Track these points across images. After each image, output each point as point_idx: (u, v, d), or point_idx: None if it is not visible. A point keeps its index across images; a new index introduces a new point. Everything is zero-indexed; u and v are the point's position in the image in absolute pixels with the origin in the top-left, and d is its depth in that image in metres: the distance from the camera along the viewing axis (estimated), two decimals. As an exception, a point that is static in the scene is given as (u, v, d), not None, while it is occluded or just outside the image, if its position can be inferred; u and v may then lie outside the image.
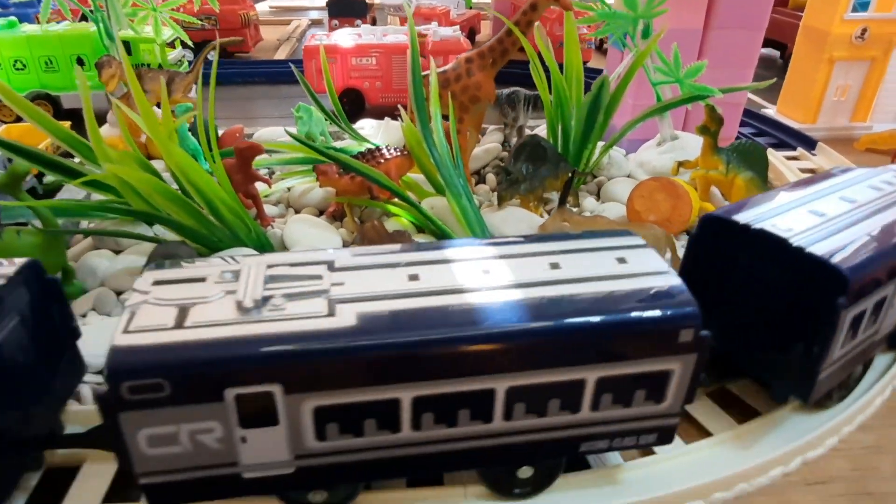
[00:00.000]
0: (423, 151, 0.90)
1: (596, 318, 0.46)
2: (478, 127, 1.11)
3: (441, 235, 0.85)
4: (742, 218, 0.61)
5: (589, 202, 1.01)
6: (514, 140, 1.28)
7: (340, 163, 0.86)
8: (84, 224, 0.93)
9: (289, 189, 1.04)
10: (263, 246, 0.87)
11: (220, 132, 1.20)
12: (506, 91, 1.24)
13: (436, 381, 0.45)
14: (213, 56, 1.09)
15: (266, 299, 0.46)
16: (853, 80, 1.44)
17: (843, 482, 0.62)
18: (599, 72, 1.11)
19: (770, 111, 1.58)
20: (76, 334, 0.60)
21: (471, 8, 2.62)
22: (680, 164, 1.03)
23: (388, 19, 2.37)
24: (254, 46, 2.23)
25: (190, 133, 1.10)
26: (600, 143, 1.07)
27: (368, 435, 0.46)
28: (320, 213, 1.00)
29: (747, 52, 1.16)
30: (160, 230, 0.88)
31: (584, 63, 1.03)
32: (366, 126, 1.30)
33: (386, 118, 1.31)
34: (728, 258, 0.62)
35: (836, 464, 0.63)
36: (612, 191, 1.05)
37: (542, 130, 1.25)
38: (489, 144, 1.20)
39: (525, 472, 0.53)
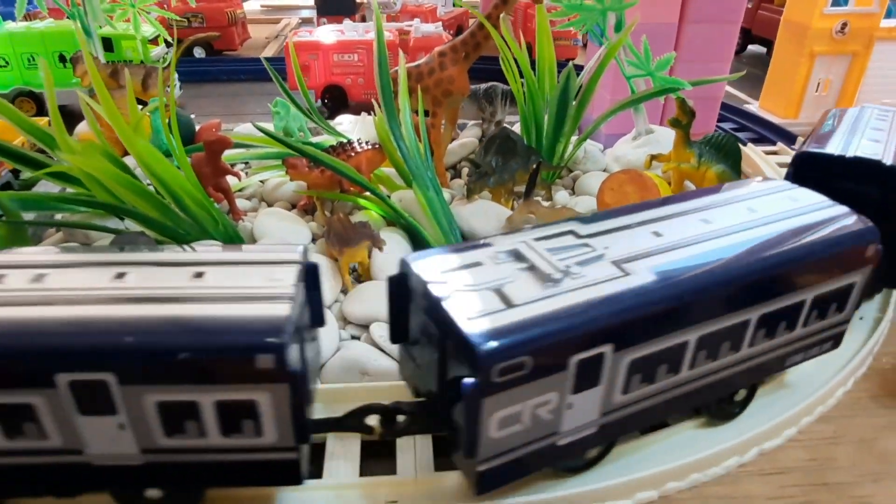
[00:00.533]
0: (393, 145, 0.90)
1: (813, 248, 0.54)
2: (453, 121, 1.11)
3: (409, 228, 0.85)
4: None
5: (562, 195, 1.01)
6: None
7: (310, 157, 0.86)
8: (58, 217, 0.93)
9: (262, 183, 1.04)
10: (232, 238, 0.87)
11: (199, 127, 1.20)
12: (483, 86, 1.24)
13: (714, 319, 0.50)
14: (196, 52, 1.10)
15: (566, 270, 0.49)
16: (834, 74, 1.43)
17: (800, 472, 0.61)
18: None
19: (752, 107, 1.58)
20: (322, 322, 0.56)
21: (459, 7, 2.62)
22: (653, 157, 1.03)
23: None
24: (241, 44, 2.23)
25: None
26: (574, 137, 1.07)
27: (658, 380, 0.51)
28: (293, 206, 1.00)
29: (723, 45, 1.16)
30: (131, 223, 0.88)
31: (571, 60, 1.03)
32: (344, 122, 1.30)
33: (363, 113, 1.31)
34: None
35: (794, 454, 0.63)
36: (586, 184, 1.05)
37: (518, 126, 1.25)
38: (466, 139, 1.20)
39: (740, 394, 0.62)
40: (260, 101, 1.76)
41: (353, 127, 1.27)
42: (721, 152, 0.99)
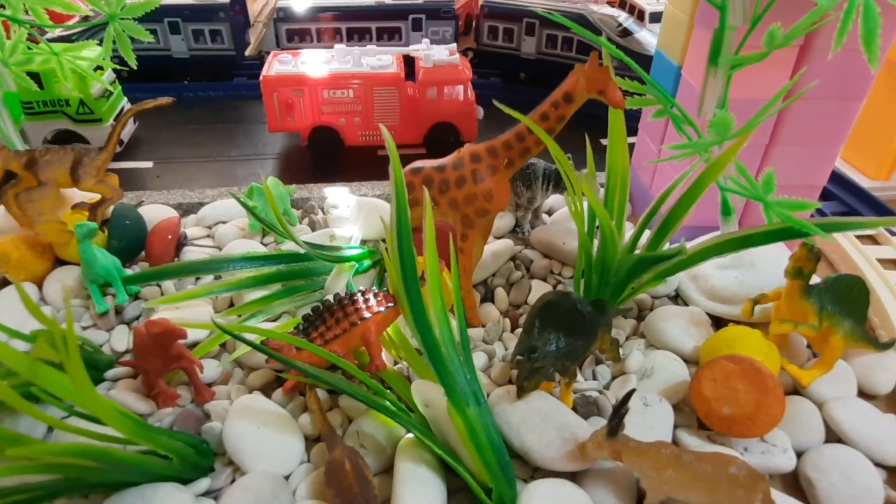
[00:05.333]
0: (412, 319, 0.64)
1: None
2: (486, 235, 0.85)
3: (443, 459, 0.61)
4: None
5: (635, 357, 0.77)
6: (527, 224, 1.01)
7: (276, 357, 0.61)
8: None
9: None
10: (199, 466, 0.62)
11: (151, 228, 0.93)
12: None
13: None
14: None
15: None
16: (942, 129, 1.17)
17: None
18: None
19: (832, 157, 1.31)
20: None
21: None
22: (754, 301, 0.78)
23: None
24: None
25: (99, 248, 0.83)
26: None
27: None
28: (278, 374, 0.75)
29: (838, 126, 0.89)
30: None
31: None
32: (339, 204, 1.02)
33: (366, 201, 1.03)
34: None
35: None
36: (659, 329, 0.80)
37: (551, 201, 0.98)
38: (498, 243, 0.93)
39: None
40: (233, 133, 1.45)
41: (352, 216, 1.00)
42: (846, 303, 0.74)
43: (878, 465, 0.67)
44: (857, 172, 1.25)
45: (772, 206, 0.69)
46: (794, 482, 0.67)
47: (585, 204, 0.78)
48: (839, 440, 0.69)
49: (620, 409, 0.58)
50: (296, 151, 1.36)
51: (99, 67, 1.21)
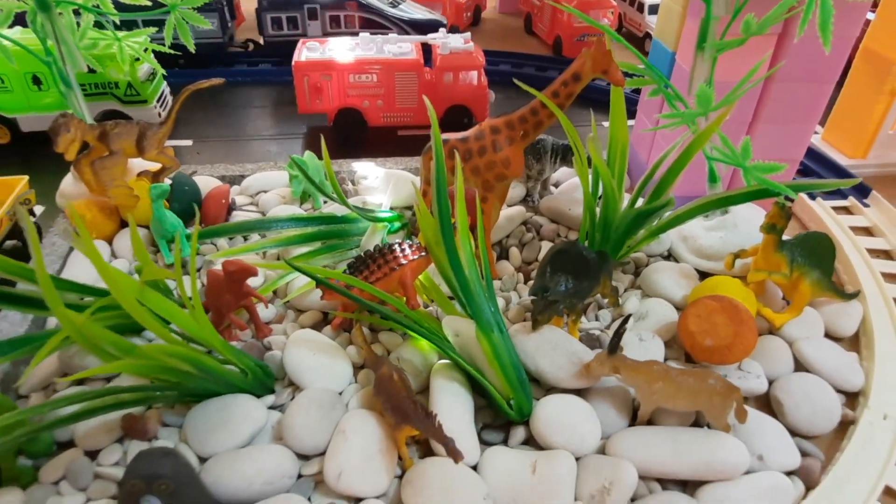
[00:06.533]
0: (443, 254, 0.76)
1: None
2: (502, 199, 0.97)
3: (470, 375, 0.73)
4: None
5: (632, 303, 0.89)
6: (537, 195, 1.13)
7: (336, 290, 0.73)
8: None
9: (286, 285, 0.90)
10: (265, 385, 0.75)
11: (205, 195, 1.05)
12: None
13: None
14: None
15: None
16: (914, 113, 1.28)
17: None
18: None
19: (815, 138, 1.43)
20: None
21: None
22: (735, 256, 0.90)
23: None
24: (237, 27, 2.00)
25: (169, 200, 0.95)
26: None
27: None
28: (325, 315, 0.87)
29: (812, 106, 1.00)
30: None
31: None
32: (369, 175, 1.14)
33: (394, 173, 1.14)
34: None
35: None
36: (653, 280, 0.92)
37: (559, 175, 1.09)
38: (512, 210, 1.05)
39: None
40: (258, 115, 1.57)
41: (381, 185, 1.12)
42: (815, 256, 0.86)
43: (838, 391, 0.80)
44: (837, 152, 1.37)
45: (749, 170, 0.82)
46: (766, 403, 0.79)
47: (591, 174, 0.90)
48: (806, 371, 0.82)
49: (620, 330, 0.70)
50: (323, 131, 1.48)
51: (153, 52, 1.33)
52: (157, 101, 1.40)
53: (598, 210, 0.90)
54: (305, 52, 1.38)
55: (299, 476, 0.67)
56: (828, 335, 0.88)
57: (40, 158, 1.17)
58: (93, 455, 0.68)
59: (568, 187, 1.14)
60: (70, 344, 0.68)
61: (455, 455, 0.59)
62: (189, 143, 1.33)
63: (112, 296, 0.60)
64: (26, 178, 1.06)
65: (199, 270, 0.95)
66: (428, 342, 0.76)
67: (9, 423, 0.59)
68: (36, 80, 1.28)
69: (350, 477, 0.64)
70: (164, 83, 1.46)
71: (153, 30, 1.05)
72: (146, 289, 0.64)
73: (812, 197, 1.19)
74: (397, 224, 1.00)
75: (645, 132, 1.14)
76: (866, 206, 1.19)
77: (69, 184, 1.07)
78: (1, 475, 0.65)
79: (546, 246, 1.01)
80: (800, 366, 0.82)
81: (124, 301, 0.59)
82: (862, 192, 1.23)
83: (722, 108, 0.78)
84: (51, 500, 0.64)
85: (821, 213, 1.15)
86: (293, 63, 1.34)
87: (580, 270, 0.78)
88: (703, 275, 0.96)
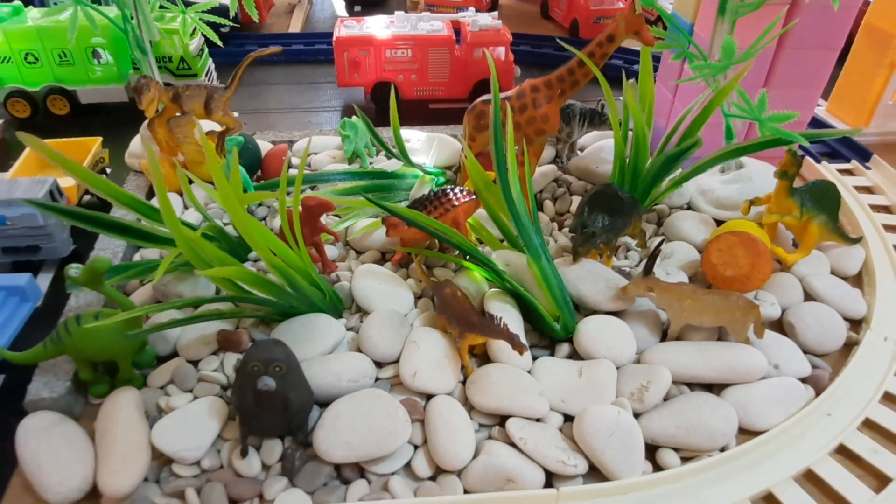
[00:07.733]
0: (495, 199, 0.86)
1: None
2: (538, 155, 1.07)
3: (520, 297, 0.83)
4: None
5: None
6: (565, 156, 1.23)
7: (407, 220, 0.82)
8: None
9: (346, 229, 1.00)
10: (337, 308, 0.85)
11: (265, 153, 1.15)
12: (560, 105, 1.18)
13: None
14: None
15: None
16: (913, 84, 1.38)
17: None
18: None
19: (820, 110, 1.53)
20: None
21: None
22: (751, 202, 1.00)
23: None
24: (267, 13, 2.10)
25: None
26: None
27: None
28: (383, 255, 0.97)
29: (819, 72, 1.10)
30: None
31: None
32: (412, 139, 1.24)
33: (436, 135, 1.24)
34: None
35: None
36: (675, 226, 1.02)
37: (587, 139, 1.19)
38: (545, 167, 1.15)
39: None
40: (296, 91, 1.67)
41: (424, 147, 1.21)
42: (822, 201, 0.96)
43: (845, 319, 0.90)
44: (840, 122, 1.47)
45: (764, 122, 0.91)
46: (780, 328, 0.89)
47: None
48: (815, 301, 0.91)
49: (654, 252, 0.80)
50: (359, 104, 1.57)
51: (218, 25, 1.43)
52: (206, 74, 1.49)
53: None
54: (344, 29, 1.47)
55: (376, 380, 0.77)
56: (834, 274, 0.98)
57: (96, 128, 1.27)
58: (193, 364, 0.78)
59: (594, 149, 1.23)
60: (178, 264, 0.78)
61: (521, 348, 0.69)
62: (236, 114, 1.42)
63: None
64: (100, 139, 1.16)
65: (264, 220, 1.05)
66: (481, 271, 0.86)
67: (134, 318, 0.70)
68: (95, 54, 1.38)
69: (424, 376, 0.74)
70: (210, 59, 1.56)
71: (217, 2, 1.14)
72: (250, 218, 0.73)
73: (818, 161, 1.29)
74: (441, 179, 1.10)
75: (665, 97, 1.23)
76: (868, 168, 1.29)
77: (137, 145, 1.17)
78: (117, 378, 0.75)
79: (576, 200, 1.11)
80: (809, 297, 0.92)
81: (237, 221, 0.69)
82: (863, 156, 1.33)
83: (741, 62, 0.88)
84: (162, 399, 0.74)
85: (826, 175, 1.25)
86: (334, 39, 1.44)
87: (615, 209, 0.88)
88: (721, 224, 1.06)
